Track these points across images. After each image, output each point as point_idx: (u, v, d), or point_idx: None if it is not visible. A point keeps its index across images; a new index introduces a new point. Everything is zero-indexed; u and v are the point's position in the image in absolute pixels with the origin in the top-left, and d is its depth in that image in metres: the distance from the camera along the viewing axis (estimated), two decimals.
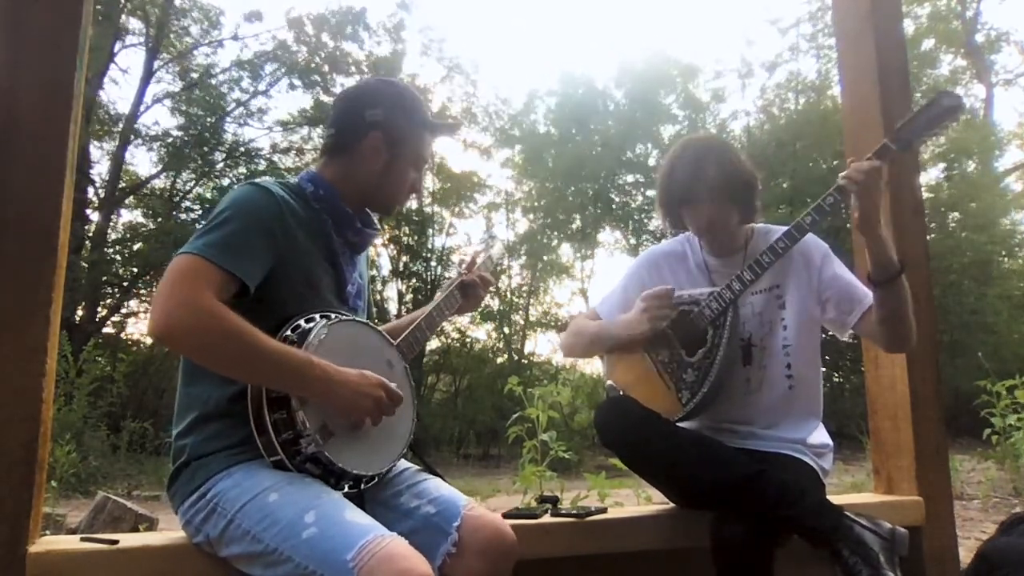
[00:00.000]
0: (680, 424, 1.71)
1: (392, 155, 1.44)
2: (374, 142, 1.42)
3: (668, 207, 1.83)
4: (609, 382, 1.86)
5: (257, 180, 1.35)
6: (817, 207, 1.61)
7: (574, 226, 18.23)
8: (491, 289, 1.71)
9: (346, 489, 1.27)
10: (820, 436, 1.76)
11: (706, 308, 1.69)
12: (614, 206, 18.16)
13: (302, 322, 1.28)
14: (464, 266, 1.72)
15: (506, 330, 16.94)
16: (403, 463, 1.45)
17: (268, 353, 1.17)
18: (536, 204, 18.42)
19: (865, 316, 1.67)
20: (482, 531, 1.30)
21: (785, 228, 1.68)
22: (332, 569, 1.06)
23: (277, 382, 1.20)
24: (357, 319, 1.42)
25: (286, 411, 1.20)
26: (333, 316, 1.33)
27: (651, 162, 17.60)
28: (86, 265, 12.39)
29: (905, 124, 1.56)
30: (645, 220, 17.75)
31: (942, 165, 15.16)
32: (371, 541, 1.06)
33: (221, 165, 15.11)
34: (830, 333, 1.81)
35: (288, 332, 1.26)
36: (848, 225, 1.71)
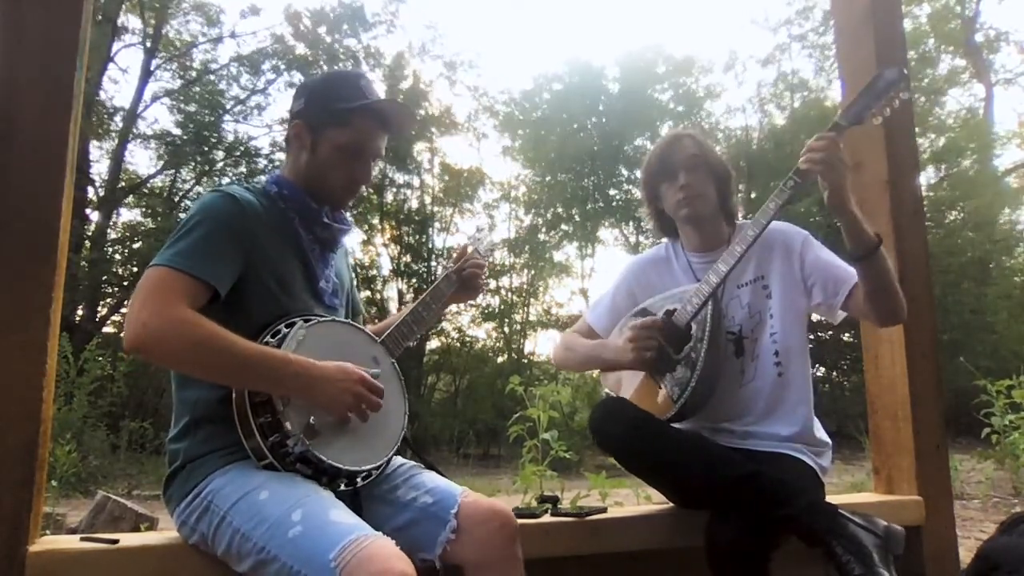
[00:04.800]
0: (677, 424, 1.71)
1: (314, 142, 1.43)
2: (296, 131, 1.44)
3: (650, 189, 1.88)
4: (605, 389, 1.87)
5: (222, 187, 1.37)
6: (779, 191, 1.61)
7: (574, 221, 18.22)
8: (485, 272, 1.70)
9: (341, 487, 1.27)
10: (818, 434, 1.76)
11: (688, 304, 1.70)
12: (614, 203, 18.16)
13: (282, 327, 1.29)
14: (453, 258, 1.72)
15: (506, 329, 16.95)
16: (398, 459, 1.45)
17: (244, 355, 1.18)
18: (536, 198, 18.41)
19: (852, 294, 1.67)
20: (480, 514, 1.30)
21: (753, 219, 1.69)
22: (315, 569, 1.06)
23: (256, 383, 1.21)
24: (337, 319, 1.42)
25: (271, 414, 1.21)
26: (313, 318, 1.33)
27: None
28: (86, 264, 12.39)
29: (853, 101, 1.59)
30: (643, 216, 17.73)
31: (942, 165, 15.16)
32: (353, 541, 1.06)
33: (221, 164, 15.10)
34: (829, 333, 1.81)
35: (268, 337, 1.27)
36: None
